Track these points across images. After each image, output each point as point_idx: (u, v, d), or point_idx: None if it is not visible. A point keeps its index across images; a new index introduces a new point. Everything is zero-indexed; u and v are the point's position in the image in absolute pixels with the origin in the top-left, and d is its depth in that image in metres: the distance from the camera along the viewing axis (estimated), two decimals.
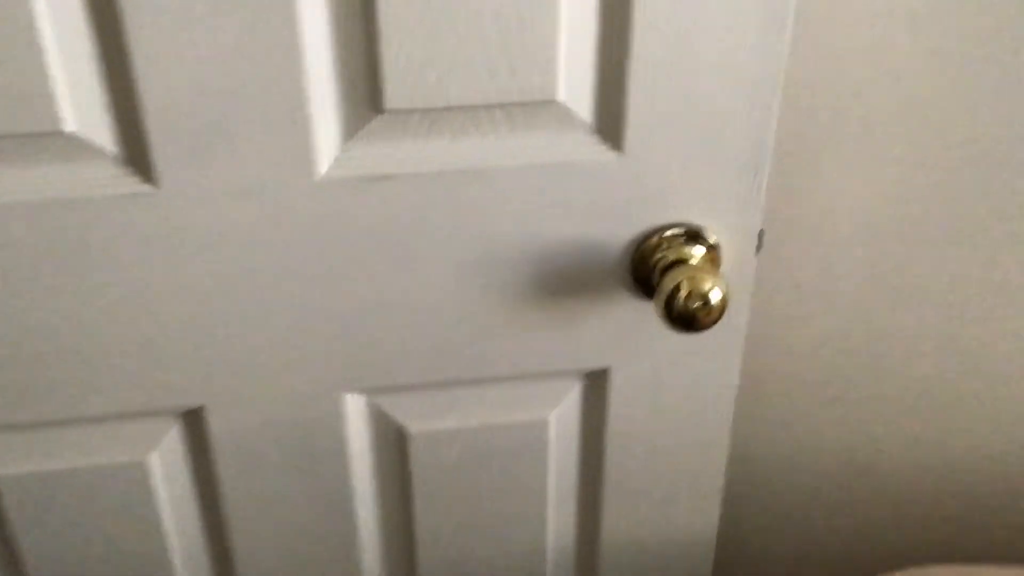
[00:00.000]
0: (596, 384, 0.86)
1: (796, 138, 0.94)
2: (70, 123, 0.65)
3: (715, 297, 0.73)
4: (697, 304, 0.73)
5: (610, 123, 0.72)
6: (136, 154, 0.68)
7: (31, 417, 0.78)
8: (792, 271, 1.02)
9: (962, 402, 1.14)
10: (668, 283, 0.74)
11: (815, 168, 0.96)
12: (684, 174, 0.75)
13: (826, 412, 1.14)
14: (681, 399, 0.88)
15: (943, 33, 0.89)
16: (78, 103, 0.65)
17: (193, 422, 0.83)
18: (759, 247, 0.82)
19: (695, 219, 0.77)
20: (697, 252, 0.78)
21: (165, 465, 0.85)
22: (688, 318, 0.74)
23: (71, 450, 0.83)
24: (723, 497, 1.21)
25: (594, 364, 0.84)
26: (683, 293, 0.73)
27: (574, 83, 0.70)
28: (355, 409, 0.84)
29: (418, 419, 0.86)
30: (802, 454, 1.17)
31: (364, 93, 0.68)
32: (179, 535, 0.90)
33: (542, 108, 0.70)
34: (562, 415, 0.88)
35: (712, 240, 0.78)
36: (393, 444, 0.87)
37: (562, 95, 0.70)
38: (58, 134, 0.66)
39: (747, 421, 1.14)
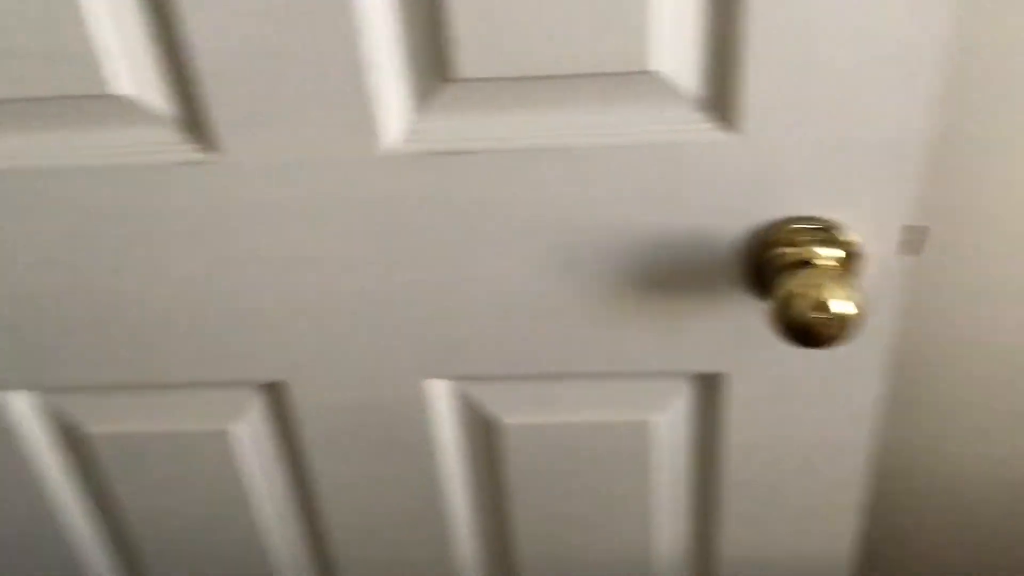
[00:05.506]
0: (709, 390, 0.76)
1: (981, 122, 0.78)
2: (121, 86, 0.61)
3: (840, 308, 0.61)
4: (817, 316, 0.61)
5: (723, 98, 0.61)
6: (194, 120, 0.64)
7: (112, 379, 0.77)
8: (961, 274, 0.86)
9: None
10: (784, 288, 0.62)
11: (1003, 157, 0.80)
12: (812, 159, 0.62)
13: (995, 429, 0.98)
14: (813, 414, 0.76)
15: None
16: (129, 64, 0.61)
17: (276, 396, 0.79)
18: (919, 247, 0.68)
19: (826, 213, 0.65)
20: (828, 252, 0.65)
21: (249, 436, 0.82)
22: (805, 332, 0.62)
23: (159, 414, 0.81)
24: (872, 512, 1.08)
25: (705, 368, 0.74)
26: (800, 302, 0.61)
27: (675, 51, 0.59)
28: (439, 396, 0.78)
29: (509, 411, 0.79)
30: (964, 471, 1.02)
31: (433, 60, 0.60)
32: (269, 507, 0.88)
33: (635, 80, 0.60)
34: (668, 419, 0.78)
35: (847, 239, 0.65)
36: (483, 436, 0.81)
37: (656, 64, 0.59)
38: (110, 97, 0.62)
39: (905, 433, 1.00)
